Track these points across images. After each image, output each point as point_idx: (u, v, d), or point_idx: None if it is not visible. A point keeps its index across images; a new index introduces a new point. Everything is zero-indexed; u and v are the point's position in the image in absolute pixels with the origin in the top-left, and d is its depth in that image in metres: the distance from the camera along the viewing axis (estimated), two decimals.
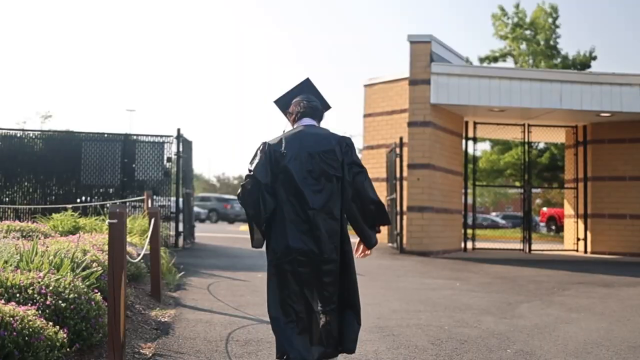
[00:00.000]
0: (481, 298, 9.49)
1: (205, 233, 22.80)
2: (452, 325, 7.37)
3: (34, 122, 47.19)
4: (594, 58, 36.26)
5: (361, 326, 4.78)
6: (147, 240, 8.02)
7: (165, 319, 7.17)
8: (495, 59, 36.52)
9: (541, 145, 33.85)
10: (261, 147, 4.63)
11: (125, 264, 5.19)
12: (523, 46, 37.17)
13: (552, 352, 6.22)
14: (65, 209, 11.19)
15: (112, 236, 5.10)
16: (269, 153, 4.59)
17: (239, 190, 4.68)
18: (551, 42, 36.71)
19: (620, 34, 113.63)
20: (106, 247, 8.21)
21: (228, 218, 44.35)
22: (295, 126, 4.82)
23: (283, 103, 4.98)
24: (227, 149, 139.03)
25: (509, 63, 36.53)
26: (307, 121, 4.79)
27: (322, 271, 4.55)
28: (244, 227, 34.89)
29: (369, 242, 4.74)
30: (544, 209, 39.53)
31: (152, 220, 8.31)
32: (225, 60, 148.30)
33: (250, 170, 4.64)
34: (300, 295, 4.54)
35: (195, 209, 42.58)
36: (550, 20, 36.02)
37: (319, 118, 4.88)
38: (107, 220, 5.13)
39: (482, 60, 36.58)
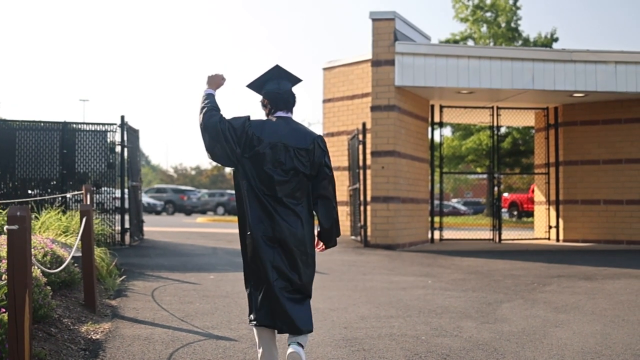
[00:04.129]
0: (457, 298, 8.58)
1: (157, 228, 21.60)
2: (429, 334, 6.45)
3: None
4: (556, 40, 35.89)
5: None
6: (77, 241, 6.93)
7: (98, 336, 6.11)
8: (456, 42, 35.89)
9: (502, 130, 33.28)
10: (245, 118, 4.72)
11: (30, 282, 4.12)
12: (484, 29, 36.66)
13: None
14: None
15: (12, 246, 4.04)
16: (249, 130, 4.67)
17: (203, 113, 4.73)
18: (512, 24, 36.27)
19: (580, 14, 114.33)
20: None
21: (185, 210, 43.36)
22: (271, 117, 4.84)
23: (255, 87, 4.95)
24: (185, 139, 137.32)
25: None
26: (281, 114, 4.83)
27: (280, 252, 4.62)
28: (201, 219, 33.84)
29: (327, 241, 4.91)
30: (506, 194, 38.97)
31: (84, 220, 7.22)
32: (181, 49, 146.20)
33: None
34: (260, 270, 4.62)
35: (151, 200, 41.63)
36: (510, 1, 35.56)
37: (292, 106, 4.91)
38: (5, 227, 4.04)
39: (442, 43, 35.87)
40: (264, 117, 4.88)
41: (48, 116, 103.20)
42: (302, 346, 4.57)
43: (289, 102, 4.87)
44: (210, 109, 4.72)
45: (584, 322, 7.09)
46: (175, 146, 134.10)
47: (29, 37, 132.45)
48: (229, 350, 5.70)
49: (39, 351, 5.06)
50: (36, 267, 5.63)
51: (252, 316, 4.65)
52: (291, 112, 4.90)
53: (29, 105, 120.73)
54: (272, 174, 4.61)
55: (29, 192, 13.46)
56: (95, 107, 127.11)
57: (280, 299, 4.56)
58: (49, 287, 6.04)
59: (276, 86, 4.84)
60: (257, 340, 4.71)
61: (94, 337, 6.05)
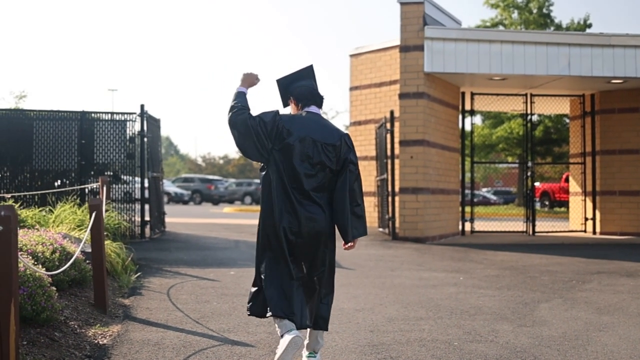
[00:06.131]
0: (491, 297, 8.05)
1: (181, 219, 21.22)
2: (462, 339, 5.94)
3: (7, 103, 45.26)
4: (589, 26, 35.02)
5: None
6: (85, 237, 6.50)
7: (105, 341, 5.67)
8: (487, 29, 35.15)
9: (534, 118, 32.58)
10: (275, 112, 4.85)
11: (16, 290, 3.69)
12: (515, 15, 35.92)
13: None
14: (4, 199, 9.60)
15: None
16: (279, 123, 4.79)
17: (233, 112, 4.84)
18: (544, 10, 35.45)
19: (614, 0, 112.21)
20: (37, 249, 6.73)
21: (212, 199, 43.15)
22: (301, 112, 4.98)
23: (284, 84, 5.08)
24: (213, 129, 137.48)
25: None
26: (314, 109, 4.98)
27: (302, 245, 4.75)
28: (228, 209, 33.50)
29: (344, 237, 4.88)
30: (537, 183, 38.11)
31: (94, 215, 6.80)
32: (208, 39, 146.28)
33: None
34: (280, 261, 4.74)
35: (178, 190, 41.46)
36: None
37: (322, 104, 5.07)
38: None
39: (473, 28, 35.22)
40: (293, 113, 5.03)
41: (77, 106, 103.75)
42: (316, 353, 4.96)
43: (322, 98, 5.04)
44: (240, 108, 4.85)
45: (630, 326, 6.56)
46: (204, 136, 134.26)
47: (60, 26, 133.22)
48: (245, 357, 5.25)
49: (38, 359, 4.66)
50: (35, 265, 5.22)
51: (269, 308, 4.68)
52: (321, 109, 5.04)
53: (57, 96, 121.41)
54: (299, 167, 4.76)
55: (55, 184, 13.09)
56: (123, 96, 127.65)
57: (297, 291, 4.71)
58: (53, 288, 5.63)
59: (310, 83, 5.04)
60: (277, 325, 4.70)
61: (100, 342, 5.63)
